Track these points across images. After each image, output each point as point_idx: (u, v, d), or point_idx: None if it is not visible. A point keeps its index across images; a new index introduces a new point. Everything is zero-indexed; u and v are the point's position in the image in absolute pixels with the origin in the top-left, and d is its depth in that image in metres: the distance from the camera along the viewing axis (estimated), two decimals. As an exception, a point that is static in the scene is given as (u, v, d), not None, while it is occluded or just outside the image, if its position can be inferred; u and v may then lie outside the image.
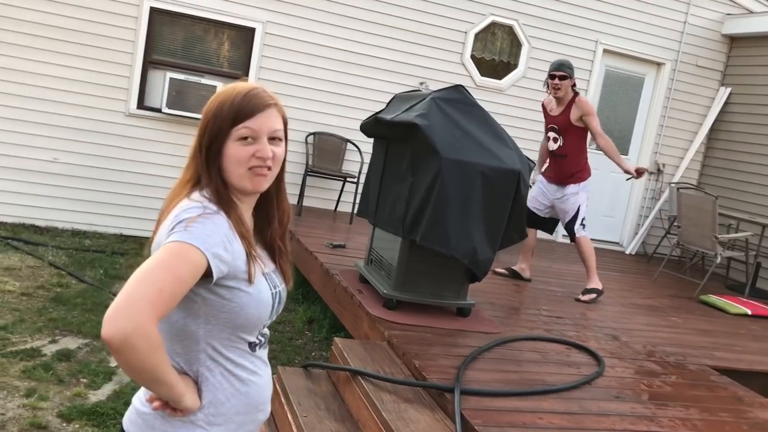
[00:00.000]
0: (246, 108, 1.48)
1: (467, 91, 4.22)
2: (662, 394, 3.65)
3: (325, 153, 7.34)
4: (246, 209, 1.56)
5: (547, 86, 5.32)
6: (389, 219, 4.17)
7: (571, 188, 5.45)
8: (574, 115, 5.29)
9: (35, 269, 5.52)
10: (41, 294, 5.00)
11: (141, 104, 6.83)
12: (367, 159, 5.24)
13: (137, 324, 1.23)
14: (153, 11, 6.76)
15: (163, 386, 1.36)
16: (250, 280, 1.45)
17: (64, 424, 3.32)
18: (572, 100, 5.29)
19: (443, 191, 3.78)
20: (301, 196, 7.03)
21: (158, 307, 1.26)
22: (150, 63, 6.84)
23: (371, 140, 4.73)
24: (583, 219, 5.47)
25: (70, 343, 4.25)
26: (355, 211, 4.83)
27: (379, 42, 7.48)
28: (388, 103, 4.51)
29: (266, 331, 1.61)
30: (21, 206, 6.64)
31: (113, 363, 4.05)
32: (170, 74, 6.79)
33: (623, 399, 3.45)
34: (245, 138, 1.48)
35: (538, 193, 5.64)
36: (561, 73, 5.21)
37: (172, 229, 1.37)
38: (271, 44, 7.15)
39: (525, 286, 5.68)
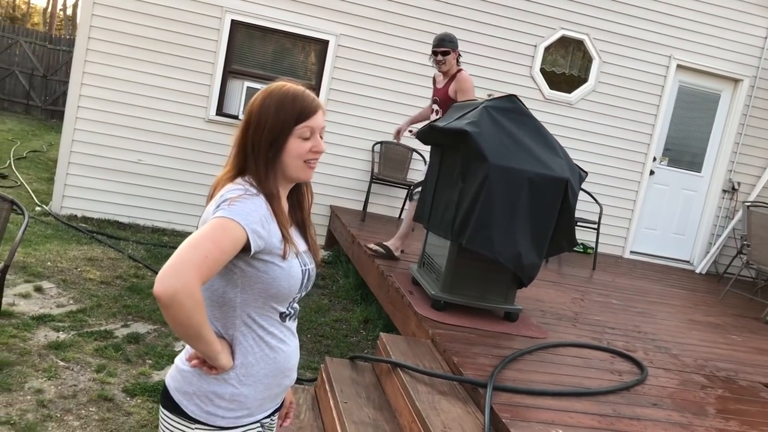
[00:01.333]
0: (307, 109, 1.69)
1: (520, 101, 4.33)
2: (704, 405, 3.64)
3: (391, 161, 7.56)
4: (283, 195, 1.77)
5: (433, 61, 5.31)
6: (440, 223, 4.33)
7: None
8: (452, 88, 5.23)
9: (115, 261, 5.95)
10: (118, 283, 5.39)
11: (220, 111, 7.24)
12: (429, 167, 5.45)
13: (184, 282, 1.44)
14: (234, 24, 7.17)
15: (202, 342, 1.56)
16: (284, 256, 1.65)
17: (128, 398, 3.63)
18: (455, 75, 5.24)
19: (489, 196, 3.90)
20: (366, 202, 7.26)
21: (202, 271, 1.47)
22: (229, 72, 7.26)
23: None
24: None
25: (140, 328, 4.59)
26: (413, 216, 5.00)
27: (448, 55, 7.64)
28: (446, 112, 4.67)
29: (296, 305, 1.80)
30: (107, 203, 7.14)
31: (177, 348, 4.35)
32: (248, 83, 7.19)
33: (661, 406, 3.47)
34: (305, 135, 1.68)
35: None
36: (443, 48, 5.20)
37: (218, 206, 1.58)
38: (343, 56, 7.44)
39: (582, 296, 5.70)
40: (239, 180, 1.68)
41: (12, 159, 9.66)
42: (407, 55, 7.56)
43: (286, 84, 1.73)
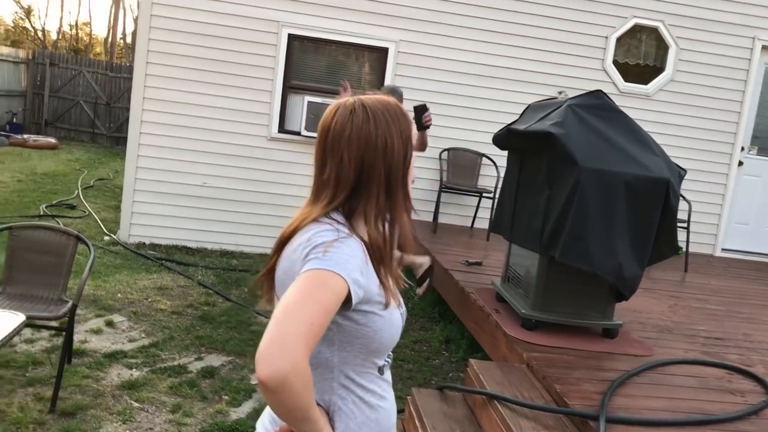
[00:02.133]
0: (410, 126, 1.47)
1: (607, 96, 3.96)
2: None
3: (460, 168, 7.23)
4: None
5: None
6: (526, 234, 3.98)
7: None
8: None
9: (186, 288, 5.81)
10: (190, 312, 5.23)
11: (282, 128, 7.07)
12: (504, 172, 5.10)
13: (293, 361, 1.18)
14: (291, 38, 6.99)
15: (308, 423, 1.30)
16: (386, 305, 1.42)
17: (206, 440, 3.41)
18: None
19: (583, 203, 3.54)
20: (436, 212, 6.95)
21: (309, 342, 1.21)
22: (289, 88, 7.07)
23: (506, 153, 4.57)
24: None
25: (214, 360, 4.40)
26: (490, 227, 4.68)
27: (514, 53, 7.30)
28: (522, 114, 4.33)
29: (391, 354, 1.56)
30: (175, 229, 7.04)
31: (254, 381, 4.13)
32: (308, 98, 6.99)
33: (799, 433, 3.04)
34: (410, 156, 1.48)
35: None
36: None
37: (307, 255, 1.33)
38: (404, 62, 7.17)
39: (677, 302, 5.25)
40: (324, 219, 1.42)
41: (80, 189, 9.74)
42: (470, 56, 7.24)
43: (383, 96, 1.50)
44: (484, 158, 7.27)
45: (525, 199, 4.09)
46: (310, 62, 7.21)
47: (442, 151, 7.21)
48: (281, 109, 7.07)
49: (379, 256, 1.43)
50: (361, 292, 1.34)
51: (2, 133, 14.46)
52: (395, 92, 4.98)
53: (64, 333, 3.66)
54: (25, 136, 14.67)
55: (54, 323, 3.70)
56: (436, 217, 6.96)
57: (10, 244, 3.84)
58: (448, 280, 5.23)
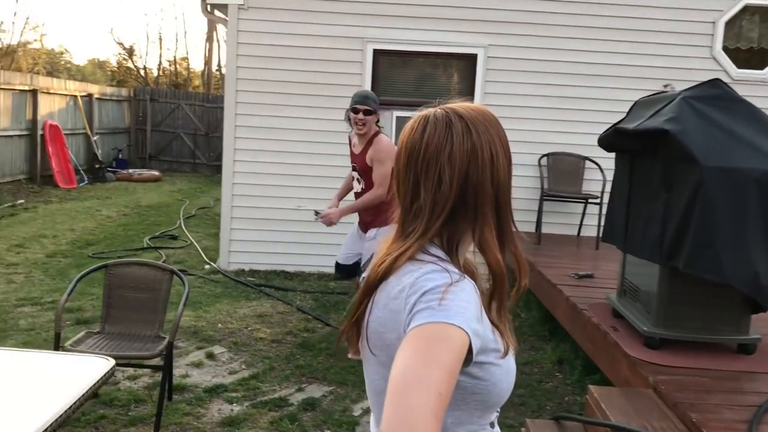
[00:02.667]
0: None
1: (726, 85, 3.55)
2: None
3: (562, 174, 6.84)
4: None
5: (349, 120, 4.51)
6: (642, 243, 3.61)
7: (370, 233, 4.58)
8: (369, 156, 4.47)
9: (285, 315, 5.72)
10: (289, 340, 5.12)
11: (372, 145, 6.91)
12: (610, 176, 4.72)
13: None
14: (376, 53, 6.84)
15: None
16: (505, 353, 1.20)
17: (309, 481, 3.23)
18: (372, 139, 4.48)
19: (708, 207, 3.15)
20: (539, 223, 6.58)
21: (439, 416, 1.00)
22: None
23: (613, 155, 4.21)
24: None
25: (315, 391, 4.24)
26: (601, 236, 4.31)
27: (612, 47, 6.86)
28: (629, 111, 3.96)
29: None
30: (273, 254, 7.01)
31: (356, 412, 3.94)
32: (396, 112, 6.81)
33: None
34: None
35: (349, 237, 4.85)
36: (366, 107, 4.41)
37: (415, 304, 1.10)
38: (494, 68, 6.88)
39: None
40: (423, 256, 1.19)
41: (182, 219, 9.96)
42: (565, 55, 6.86)
43: (467, 104, 1.27)
44: (587, 161, 6.85)
45: (639, 205, 3.71)
46: (397, 76, 7.04)
47: (542, 157, 6.84)
48: (371, 126, 6.91)
49: (499, 294, 1.22)
50: (479, 342, 1.12)
51: (110, 169, 15.13)
52: (369, 98, 4.54)
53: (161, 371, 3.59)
54: (131, 170, 15.30)
55: (152, 361, 3.64)
56: (539, 228, 6.59)
57: (107, 282, 3.82)
58: (557, 295, 4.88)
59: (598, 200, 6.48)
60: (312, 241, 7.01)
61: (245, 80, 6.83)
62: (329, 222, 4.63)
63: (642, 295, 3.74)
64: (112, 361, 2.56)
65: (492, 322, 1.21)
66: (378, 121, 4.59)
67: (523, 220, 6.90)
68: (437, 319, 1.05)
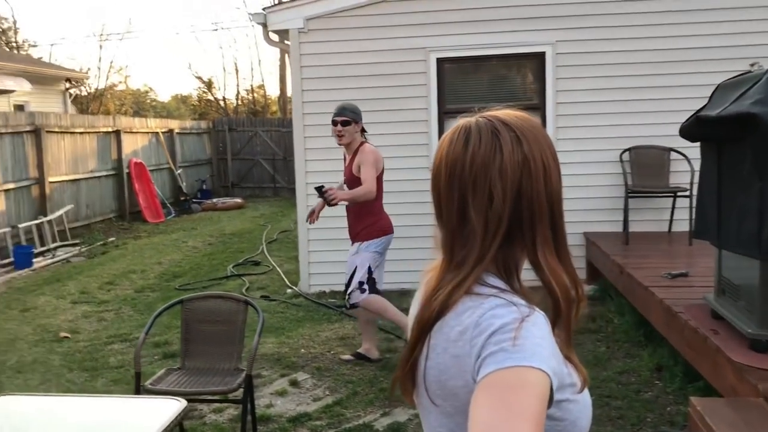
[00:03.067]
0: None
1: (820, 57, 3.22)
2: None
3: (646, 168, 6.48)
4: None
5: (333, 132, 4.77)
6: (738, 238, 3.31)
7: (353, 248, 4.84)
8: (355, 164, 4.67)
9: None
10: (372, 362, 5.01)
11: (443, 156, 6.76)
12: (698, 166, 4.40)
13: None
14: (440, 62, 6.72)
15: None
16: (581, 387, 1.06)
17: None
18: (357, 149, 4.71)
19: (810, 193, 2.85)
20: (625, 222, 6.25)
21: None
22: (444, 114, 6.78)
23: (698, 144, 3.92)
24: (362, 283, 4.73)
25: (400, 415, 4.11)
26: (692, 232, 4.02)
27: (690, 30, 6.47)
28: (711, 97, 3.67)
29: None
30: (351, 274, 6.93)
31: (443, 436, 3.78)
32: (466, 120, 6.66)
33: None
34: None
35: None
36: (343, 118, 4.66)
37: (484, 346, 0.97)
38: (564, 64, 6.61)
39: None
40: (481, 288, 1.06)
41: (264, 244, 10.08)
42: (639, 43, 6.52)
43: (509, 111, 1.15)
44: (672, 153, 6.47)
45: (731, 197, 3.42)
46: (464, 83, 6.89)
47: (623, 152, 6.51)
48: (439, 136, 6.77)
49: (566, 321, 1.07)
50: (556, 380, 0.99)
51: (194, 200, 15.57)
52: (346, 109, 4.73)
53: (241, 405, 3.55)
54: (215, 200, 15.70)
55: (231, 395, 3.60)
56: (626, 227, 6.26)
57: (184, 317, 3.83)
58: (649, 297, 4.58)
59: (687, 193, 6.11)
60: (390, 257, 6.89)
61: (311, 102, 6.83)
62: (333, 197, 4.68)
63: (743, 294, 3.44)
64: (183, 402, 2.52)
65: (563, 354, 1.06)
66: (363, 131, 4.80)
67: (608, 220, 6.60)
68: (514, 363, 0.93)
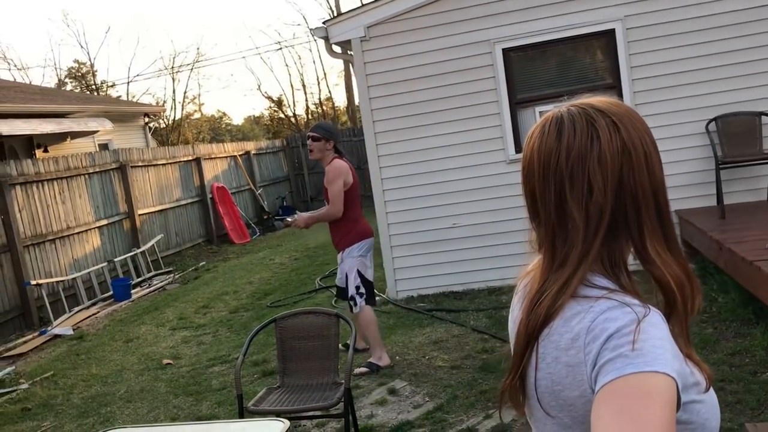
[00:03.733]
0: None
1: None
2: None
3: (736, 137, 6.15)
4: None
5: None
6: None
7: (339, 257, 5.16)
8: (326, 181, 4.99)
9: (460, 338, 5.56)
10: (469, 364, 4.95)
11: (518, 148, 6.63)
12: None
13: None
14: (505, 52, 6.59)
15: None
16: (707, 386, 1.00)
17: None
18: (329, 163, 4.99)
19: None
20: (719, 195, 5.94)
21: None
22: (516, 104, 6.65)
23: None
24: (358, 288, 4.97)
25: (504, 416, 4.02)
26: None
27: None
28: None
29: None
30: (438, 276, 6.90)
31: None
32: (539, 108, 6.50)
33: None
34: None
35: None
36: (313, 134, 5.00)
37: (600, 353, 0.92)
38: (636, 38, 6.37)
39: None
40: (588, 291, 1.00)
41: (348, 254, 10.13)
42: (715, 6, 6.20)
43: (604, 98, 1.08)
44: (763, 117, 6.12)
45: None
46: (532, 71, 6.73)
47: (708, 123, 6.20)
48: (513, 127, 6.65)
49: (684, 317, 1.02)
50: (680, 382, 0.93)
51: (277, 218, 15.85)
52: (318, 127, 5.08)
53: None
54: (296, 216, 15.93)
55: (333, 410, 3.62)
56: (720, 200, 5.95)
57: (278, 335, 3.88)
58: (755, 272, 4.32)
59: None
60: (476, 256, 6.83)
61: (380, 109, 6.83)
62: (296, 225, 5.22)
63: None
64: (287, 423, 2.53)
65: (682, 352, 0.99)
66: (334, 147, 5.04)
67: (700, 195, 6.32)
68: (637, 369, 0.87)
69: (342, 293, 5.19)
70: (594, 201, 1.00)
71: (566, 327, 0.98)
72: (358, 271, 5.01)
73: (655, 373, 0.86)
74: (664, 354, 0.90)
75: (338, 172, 4.92)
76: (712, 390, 1.04)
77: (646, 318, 0.93)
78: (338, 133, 5.14)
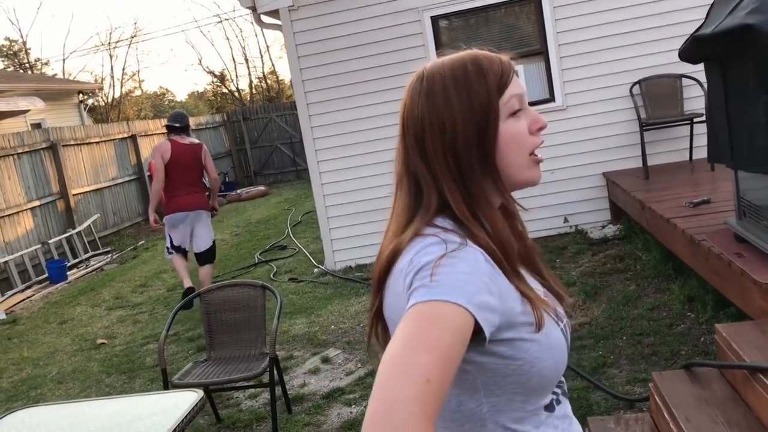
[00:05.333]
0: (502, 69, 1.10)
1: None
2: None
3: (659, 99, 6.30)
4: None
5: None
6: (750, 156, 3.20)
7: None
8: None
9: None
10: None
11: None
12: (709, 90, 4.27)
13: None
14: (434, 20, 6.59)
15: None
16: (538, 326, 1.03)
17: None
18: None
19: (816, 99, 2.73)
20: (644, 156, 6.09)
21: (429, 405, 0.84)
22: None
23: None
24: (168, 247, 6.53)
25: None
26: (707, 157, 3.89)
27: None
28: (708, 14, 3.53)
29: (562, 379, 1.15)
30: (374, 246, 6.80)
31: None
32: (469, 75, 6.54)
33: None
34: (516, 111, 1.10)
35: None
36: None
37: (411, 283, 0.96)
38: (562, 3, 6.43)
39: None
40: (427, 229, 1.04)
41: (289, 227, 10.11)
42: (636, -29, 6.30)
43: (450, 56, 1.14)
44: (684, 79, 6.28)
45: (739, 115, 3.30)
46: (462, 39, 6.74)
47: (632, 86, 6.34)
48: (445, 95, 6.67)
49: (506, 256, 1.05)
50: (495, 318, 0.97)
51: (219, 194, 15.67)
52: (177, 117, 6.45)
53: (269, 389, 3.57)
54: (239, 191, 15.78)
55: (260, 380, 3.63)
56: (645, 161, 6.10)
57: (204, 309, 3.86)
58: (671, 230, 4.47)
59: (703, 118, 5.92)
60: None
61: (311, 80, 6.78)
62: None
63: (765, 213, 3.33)
64: (200, 393, 2.53)
65: (521, 291, 1.04)
66: (168, 131, 6.45)
67: (626, 157, 6.47)
68: (429, 297, 0.91)
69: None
70: (422, 157, 1.09)
71: (404, 259, 1.02)
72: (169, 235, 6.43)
73: (446, 302, 0.90)
74: (464, 287, 0.93)
75: (158, 152, 6.19)
76: (555, 333, 1.07)
77: (454, 252, 0.97)
78: (176, 117, 6.44)
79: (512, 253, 1.06)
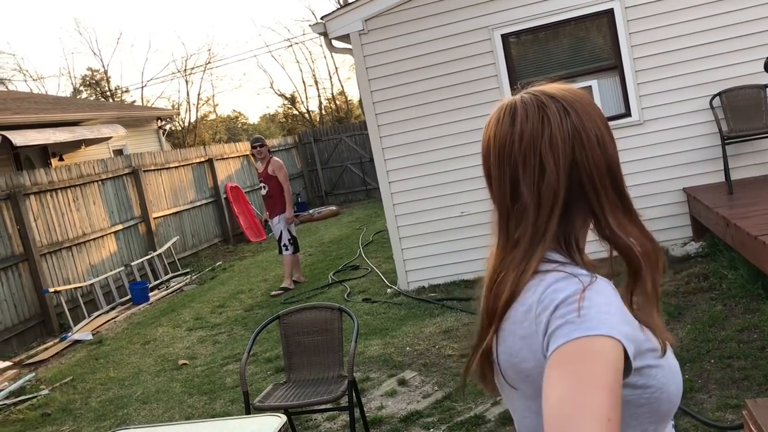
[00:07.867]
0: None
1: None
2: None
3: (741, 111, 6.08)
4: None
5: (254, 155, 8.64)
6: None
7: (274, 219, 8.31)
8: (269, 170, 8.21)
9: (470, 326, 5.56)
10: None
11: (523, 133, 6.60)
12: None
13: None
14: (504, 38, 6.56)
15: None
16: (663, 350, 1.02)
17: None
18: (269, 160, 8.26)
19: None
20: (726, 170, 5.87)
21: None
22: (516, 89, 6.60)
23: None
24: (289, 239, 8.24)
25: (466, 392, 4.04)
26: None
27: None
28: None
29: None
30: (448, 265, 6.90)
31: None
32: (541, 92, 6.47)
33: None
34: None
35: None
36: (257, 144, 8.30)
37: (549, 322, 0.96)
38: (635, 17, 6.30)
39: None
40: (542, 266, 1.04)
41: (361, 247, 10.18)
42: (713, -20, 6.12)
43: (566, 84, 1.12)
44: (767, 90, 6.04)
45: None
46: (532, 55, 6.70)
47: (713, 98, 6.14)
48: (517, 113, 6.61)
49: (642, 283, 1.05)
50: (633, 346, 0.95)
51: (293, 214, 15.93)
52: (257, 140, 8.36)
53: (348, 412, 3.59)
54: (311, 211, 16.02)
55: (338, 402, 3.65)
56: (727, 176, 5.89)
57: (283, 332, 3.92)
58: (760, 248, 4.28)
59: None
60: (485, 243, 6.75)
61: (382, 102, 6.84)
62: (292, 221, 8.35)
63: None
64: (283, 418, 2.57)
65: (638, 319, 1.02)
66: (269, 149, 8.39)
67: (707, 172, 6.26)
68: (582, 333, 0.90)
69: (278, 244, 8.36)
70: (547, 183, 1.04)
71: (521, 301, 1.02)
72: (288, 230, 8.23)
73: (600, 336, 0.89)
74: (610, 319, 0.92)
75: (282, 163, 8.30)
76: (671, 356, 1.06)
77: (591, 286, 0.96)
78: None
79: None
